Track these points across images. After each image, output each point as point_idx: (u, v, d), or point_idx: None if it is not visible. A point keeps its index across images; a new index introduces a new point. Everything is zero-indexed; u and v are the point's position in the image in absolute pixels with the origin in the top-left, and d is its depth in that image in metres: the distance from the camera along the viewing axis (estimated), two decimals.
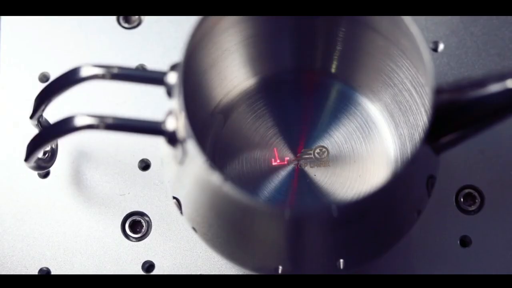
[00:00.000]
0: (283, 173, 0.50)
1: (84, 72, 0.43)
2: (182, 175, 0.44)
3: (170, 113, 0.42)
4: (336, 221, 0.42)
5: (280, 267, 0.45)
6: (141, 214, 0.52)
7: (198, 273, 0.50)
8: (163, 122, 0.41)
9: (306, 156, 0.50)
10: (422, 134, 0.40)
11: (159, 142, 0.43)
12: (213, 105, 0.51)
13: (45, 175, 0.52)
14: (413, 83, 0.46)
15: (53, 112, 0.47)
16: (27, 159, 0.46)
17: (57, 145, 0.51)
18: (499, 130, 0.49)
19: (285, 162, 0.50)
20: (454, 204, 0.51)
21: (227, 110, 0.51)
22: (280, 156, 0.50)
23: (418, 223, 0.47)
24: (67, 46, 0.55)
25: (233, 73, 0.50)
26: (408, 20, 0.42)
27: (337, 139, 0.50)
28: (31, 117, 0.46)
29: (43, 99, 0.45)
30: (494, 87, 0.40)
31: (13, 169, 0.52)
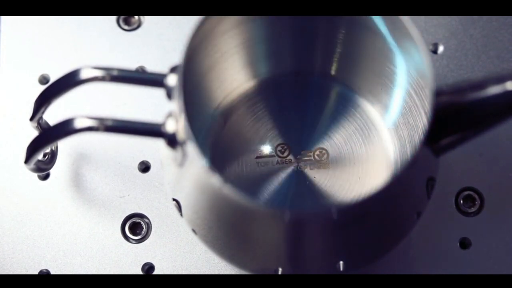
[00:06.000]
0: (282, 175, 0.50)
1: (84, 74, 0.43)
2: (182, 177, 0.44)
3: (170, 115, 0.42)
4: (336, 223, 0.42)
5: (280, 269, 0.45)
6: (141, 216, 0.52)
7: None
8: (163, 124, 0.41)
9: (306, 158, 0.50)
10: (421, 136, 0.40)
11: (159, 144, 0.43)
12: (213, 107, 0.51)
13: (45, 177, 0.52)
14: (413, 85, 0.46)
15: (53, 114, 0.47)
16: (27, 161, 0.46)
17: (57, 147, 0.51)
18: (499, 132, 0.49)
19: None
20: (454, 206, 0.51)
21: (227, 112, 0.51)
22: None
23: (418, 225, 0.47)
24: (67, 48, 0.55)
25: (233, 75, 0.50)
26: (407, 22, 0.42)
27: (336, 141, 0.50)
28: (31, 119, 0.46)
29: (43, 101, 0.45)
30: (494, 89, 0.40)
31: (13, 171, 0.52)
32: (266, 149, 0.50)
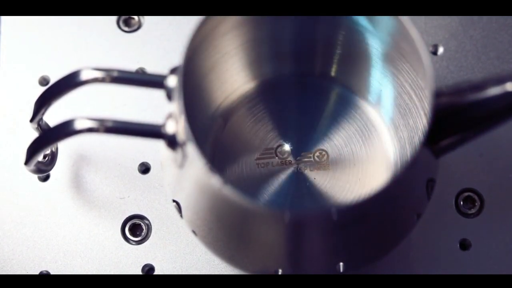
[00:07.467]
0: (282, 176, 0.50)
1: (84, 76, 0.43)
2: (182, 178, 0.44)
3: (170, 116, 0.42)
4: (336, 224, 0.42)
5: (280, 270, 0.45)
6: (141, 217, 0.52)
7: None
8: (163, 126, 0.42)
9: (306, 159, 0.50)
10: (421, 137, 0.40)
11: (159, 145, 0.43)
12: (213, 108, 0.51)
13: (45, 178, 0.52)
14: (413, 86, 0.46)
15: (53, 116, 0.47)
16: (27, 162, 0.46)
17: (57, 149, 0.51)
18: (499, 133, 0.49)
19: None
20: (454, 207, 0.51)
21: (227, 113, 0.51)
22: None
23: (418, 226, 0.47)
24: (67, 50, 0.55)
25: (233, 77, 0.50)
26: (408, 23, 0.42)
27: (336, 142, 0.50)
28: (31, 120, 0.46)
29: (43, 103, 0.45)
30: (494, 90, 0.40)
31: (13, 172, 0.52)
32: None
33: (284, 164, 0.50)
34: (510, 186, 0.52)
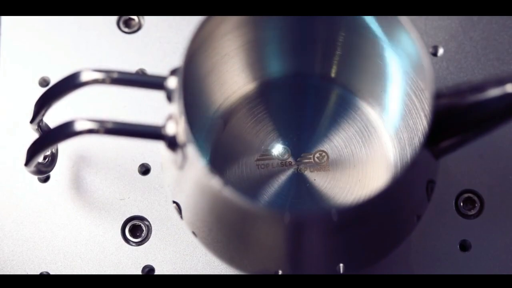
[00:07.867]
0: (282, 178, 0.50)
1: (84, 77, 0.43)
2: (182, 180, 0.44)
3: (170, 117, 0.42)
4: (336, 225, 0.42)
5: (280, 272, 0.45)
6: (141, 218, 0.52)
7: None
8: (163, 127, 0.42)
9: (306, 160, 0.50)
10: (421, 139, 0.40)
11: (159, 146, 0.43)
12: (213, 109, 0.51)
13: (45, 179, 0.52)
14: (413, 87, 0.46)
15: (53, 117, 0.47)
16: (27, 163, 0.46)
17: (57, 150, 0.51)
18: (499, 135, 0.49)
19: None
20: (454, 208, 0.51)
21: (227, 114, 0.51)
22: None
23: (418, 228, 0.47)
24: (68, 51, 0.55)
25: (233, 78, 0.50)
26: (408, 24, 0.42)
27: (336, 143, 0.50)
28: (31, 121, 0.46)
29: (43, 104, 0.45)
30: (494, 92, 0.40)
31: (13, 173, 0.52)
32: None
33: (284, 165, 0.50)
34: (510, 187, 0.52)
